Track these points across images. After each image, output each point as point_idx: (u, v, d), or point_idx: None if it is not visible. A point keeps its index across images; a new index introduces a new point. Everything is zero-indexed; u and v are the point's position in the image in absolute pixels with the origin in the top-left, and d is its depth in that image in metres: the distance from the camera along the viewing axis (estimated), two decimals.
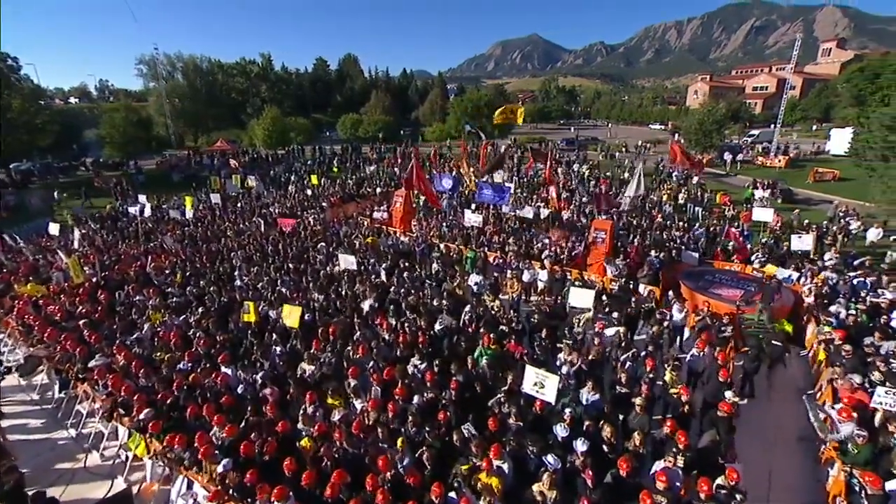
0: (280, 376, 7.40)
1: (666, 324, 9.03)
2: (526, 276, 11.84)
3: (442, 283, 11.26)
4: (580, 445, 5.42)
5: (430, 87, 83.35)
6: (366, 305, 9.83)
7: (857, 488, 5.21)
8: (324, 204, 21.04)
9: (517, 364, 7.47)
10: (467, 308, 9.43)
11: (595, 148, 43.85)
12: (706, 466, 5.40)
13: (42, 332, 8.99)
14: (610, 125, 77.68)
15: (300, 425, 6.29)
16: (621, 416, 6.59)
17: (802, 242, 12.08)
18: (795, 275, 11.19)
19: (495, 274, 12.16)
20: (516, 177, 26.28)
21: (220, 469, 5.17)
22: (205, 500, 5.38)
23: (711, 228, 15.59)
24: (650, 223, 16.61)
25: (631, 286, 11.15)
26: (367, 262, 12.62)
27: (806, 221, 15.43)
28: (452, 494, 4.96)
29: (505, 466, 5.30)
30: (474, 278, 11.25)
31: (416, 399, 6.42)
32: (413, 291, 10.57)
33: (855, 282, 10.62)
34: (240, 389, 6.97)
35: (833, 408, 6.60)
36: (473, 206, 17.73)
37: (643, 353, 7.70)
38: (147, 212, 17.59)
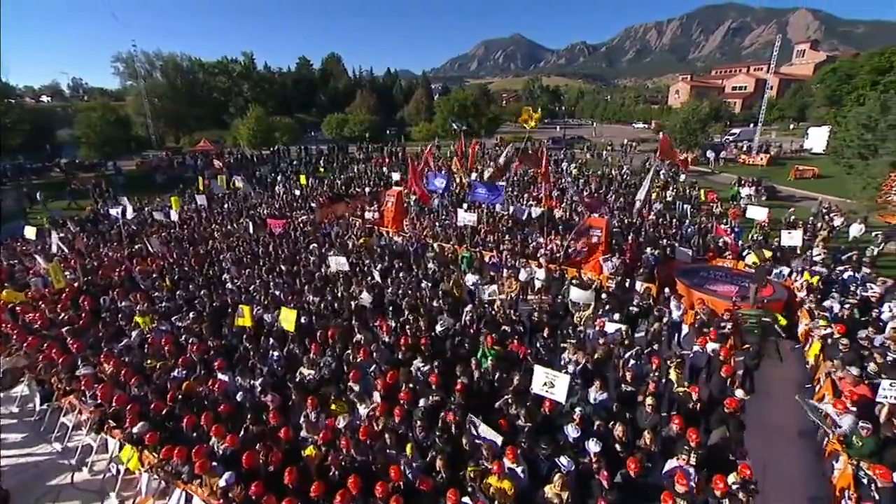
0: (279, 382, 7.16)
1: (665, 320, 9.05)
2: (523, 275, 11.78)
3: (439, 284, 11.12)
4: (593, 446, 5.34)
5: (415, 87, 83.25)
6: (364, 300, 9.67)
7: (864, 481, 5.26)
8: (312, 204, 20.69)
9: (521, 364, 7.40)
10: (468, 308, 9.30)
11: (582, 147, 44.23)
12: (717, 464, 5.39)
13: (22, 340, 8.55)
14: (595, 124, 78.55)
15: (303, 433, 6.10)
16: (628, 415, 6.56)
17: (792, 239, 12.32)
18: (786, 270, 11.40)
19: (492, 273, 12.08)
20: (505, 176, 26.26)
21: (222, 483, 4.93)
22: None
23: (703, 226, 15.79)
24: (642, 221, 16.76)
25: (627, 283, 11.21)
26: (361, 263, 12.38)
27: (793, 218, 15.76)
28: (466, 500, 4.83)
29: (519, 470, 5.20)
30: (471, 278, 11.13)
31: (421, 402, 6.27)
32: (410, 292, 10.41)
33: (845, 276, 10.87)
34: (238, 397, 6.70)
35: (828, 402, 6.71)
36: (465, 206, 17.63)
37: (646, 351, 7.70)
38: (129, 214, 16.98)
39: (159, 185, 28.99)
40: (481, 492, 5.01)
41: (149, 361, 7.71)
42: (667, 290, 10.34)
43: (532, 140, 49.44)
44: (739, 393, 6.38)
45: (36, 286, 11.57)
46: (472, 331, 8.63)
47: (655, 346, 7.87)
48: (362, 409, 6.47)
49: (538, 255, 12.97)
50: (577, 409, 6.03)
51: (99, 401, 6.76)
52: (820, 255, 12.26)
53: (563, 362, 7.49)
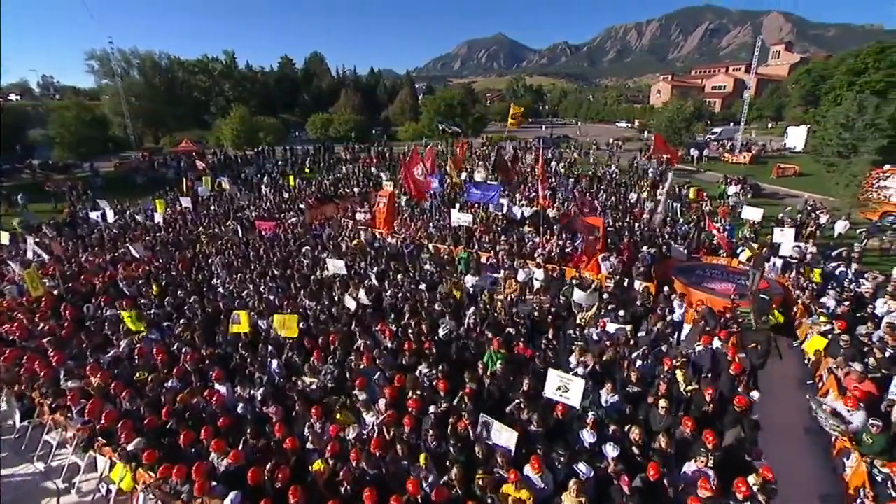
0: (280, 391, 6.86)
1: (668, 318, 9.04)
2: (521, 276, 11.68)
3: (437, 286, 10.93)
4: (611, 451, 5.24)
5: (399, 87, 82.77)
6: (362, 298, 9.48)
7: (879, 479, 5.27)
8: (301, 206, 20.25)
9: (530, 367, 7.27)
10: (471, 311, 9.13)
11: (568, 146, 44.52)
12: (733, 465, 5.35)
13: None
14: (579, 124, 79.32)
15: (309, 445, 5.84)
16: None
17: (784, 236, 12.51)
18: (780, 262, 11.56)
19: (489, 274, 11.95)
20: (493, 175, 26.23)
21: None
22: None
23: (698, 223, 15.92)
24: (633, 220, 16.89)
25: (626, 283, 11.21)
26: (357, 265, 12.10)
27: (780, 215, 16.06)
28: None
29: (538, 479, 5.05)
30: (471, 279, 10.97)
31: (431, 409, 6.06)
32: (409, 295, 10.19)
33: (836, 273, 11.07)
34: (239, 408, 6.39)
35: (835, 400, 6.75)
36: (458, 206, 17.47)
37: (654, 351, 7.66)
38: (110, 217, 16.29)
39: (140, 186, 27.99)
40: (500, 502, 4.85)
41: (140, 374, 7.28)
42: (666, 288, 10.35)
43: (515, 140, 49.72)
44: (755, 395, 6.35)
45: (11, 294, 10.96)
46: (475, 334, 8.48)
47: (664, 348, 7.81)
48: (369, 418, 6.25)
49: (535, 255, 12.91)
50: (591, 413, 5.93)
51: (87, 417, 6.34)
52: (810, 251, 12.48)
53: (571, 365, 7.38)
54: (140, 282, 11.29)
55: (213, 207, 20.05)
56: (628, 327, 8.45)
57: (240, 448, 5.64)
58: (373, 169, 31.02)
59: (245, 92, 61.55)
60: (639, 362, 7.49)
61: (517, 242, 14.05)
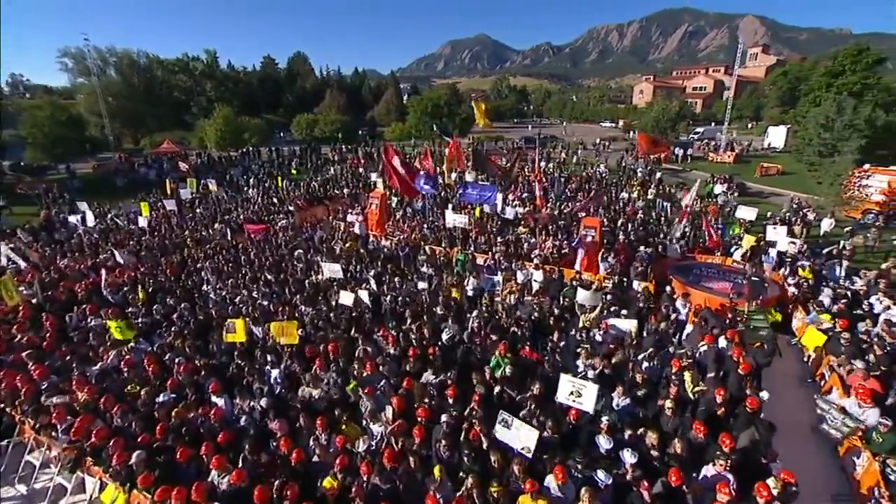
0: (282, 403, 6.57)
1: (672, 318, 9.03)
2: (520, 277, 11.57)
3: (437, 289, 10.73)
4: (629, 457, 5.13)
5: (383, 87, 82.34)
6: (363, 296, 9.29)
7: (893, 478, 5.28)
8: (290, 208, 19.81)
9: (538, 372, 7.14)
10: (474, 314, 8.97)
11: (556, 146, 44.76)
12: (749, 468, 5.30)
13: None
14: (564, 124, 79.98)
15: (315, 458, 5.58)
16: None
17: (778, 233, 12.70)
18: (774, 252, 11.74)
19: (487, 276, 11.79)
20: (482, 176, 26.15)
21: None
22: None
23: (694, 221, 16.03)
24: (626, 219, 16.94)
25: (625, 283, 11.20)
26: (354, 268, 11.82)
27: (769, 213, 16.33)
28: None
29: (558, 488, 4.90)
30: (472, 282, 10.81)
31: (444, 418, 5.86)
32: (409, 298, 9.98)
33: (827, 270, 11.25)
34: (243, 421, 6.09)
35: (840, 398, 6.79)
36: (451, 206, 17.29)
37: (661, 353, 7.61)
38: (91, 221, 15.60)
39: (120, 189, 27.06)
40: None
41: (131, 387, 6.89)
42: (668, 288, 10.36)
43: (502, 139, 49.82)
44: (765, 395, 6.33)
45: None
46: (479, 338, 8.31)
47: (671, 349, 7.77)
48: (376, 429, 6.02)
49: (532, 256, 12.81)
50: (605, 418, 5.81)
51: (75, 435, 5.95)
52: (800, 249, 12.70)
53: (579, 368, 7.27)
54: (126, 289, 10.79)
55: (198, 210, 19.44)
56: (633, 329, 8.38)
57: (241, 465, 5.37)
58: (361, 170, 30.65)
59: (227, 92, 60.38)
60: (645, 364, 7.45)
61: (513, 243, 13.95)
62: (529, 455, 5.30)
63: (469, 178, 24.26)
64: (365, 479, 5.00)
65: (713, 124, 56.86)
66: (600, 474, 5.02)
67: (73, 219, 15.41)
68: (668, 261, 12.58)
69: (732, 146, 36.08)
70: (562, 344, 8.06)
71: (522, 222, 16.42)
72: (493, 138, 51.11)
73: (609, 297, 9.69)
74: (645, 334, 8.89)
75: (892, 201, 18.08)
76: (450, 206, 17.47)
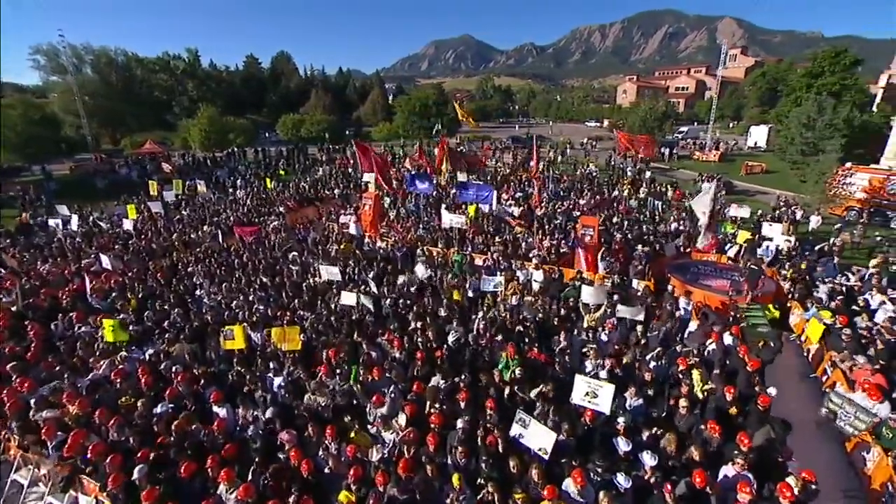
0: (287, 412, 6.32)
1: (677, 315, 9.06)
2: (521, 278, 11.48)
3: (439, 290, 10.57)
4: (649, 459, 5.07)
5: (368, 87, 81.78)
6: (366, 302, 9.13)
7: None
8: (281, 209, 19.40)
9: (549, 373, 7.05)
10: (479, 315, 8.84)
11: (544, 146, 44.96)
12: (765, 467, 5.29)
13: None
14: (550, 123, 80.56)
15: (326, 470, 5.37)
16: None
17: (773, 230, 12.91)
18: (772, 246, 11.93)
19: (486, 276, 11.69)
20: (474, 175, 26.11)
21: None
22: None
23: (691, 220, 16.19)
24: (621, 218, 17.06)
25: (624, 281, 11.22)
26: (352, 270, 11.58)
27: (759, 211, 16.62)
28: None
29: (577, 492, 4.80)
30: (474, 283, 10.68)
31: (460, 423, 5.71)
32: (411, 301, 9.80)
33: (820, 267, 11.45)
34: (249, 431, 5.84)
35: (845, 392, 6.86)
36: (444, 206, 17.15)
37: (668, 351, 7.60)
38: (74, 224, 14.95)
39: (101, 191, 26.13)
40: None
41: (126, 398, 6.55)
42: (670, 287, 10.40)
43: (489, 139, 49.87)
44: (772, 391, 6.35)
45: None
46: (485, 340, 8.19)
47: (678, 349, 7.76)
48: (388, 436, 5.84)
49: (531, 256, 12.76)
50: (621, 420, 5.75)
51: (67, 453, 5.61)
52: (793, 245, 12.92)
53: (588, 369, 7.21)
54: (113, 294, 10.35)
55: (185, 212, 18.87)
56: (641, 316, 8.37)
57: (249, 478, 5.14)
58: (349, 170, 30.26)
59: (210, 91, 59.13)
60: (653, 363, 7.43)
61: (511, 243, 13.88)
62: (546, 456, 5.21)
63: (461, 177, 24.18)
64: (381, 490, 4.83)
65: (696, 124, 58.03)
66: (620, 478, 4.94)
67: (53, 222, 14.76)
68: (664, 259, 12.66)
69: (718, 145, 36.78)
70: (566, 345, 7.99)
71: (515, 220, 16.35)
72: (481, 138, 51.14)
73: (615, 296, 9.65)
74: (649, 333, 8.93)
75: (873, 199, 18.65)
76: (443, 206, 17.32)
